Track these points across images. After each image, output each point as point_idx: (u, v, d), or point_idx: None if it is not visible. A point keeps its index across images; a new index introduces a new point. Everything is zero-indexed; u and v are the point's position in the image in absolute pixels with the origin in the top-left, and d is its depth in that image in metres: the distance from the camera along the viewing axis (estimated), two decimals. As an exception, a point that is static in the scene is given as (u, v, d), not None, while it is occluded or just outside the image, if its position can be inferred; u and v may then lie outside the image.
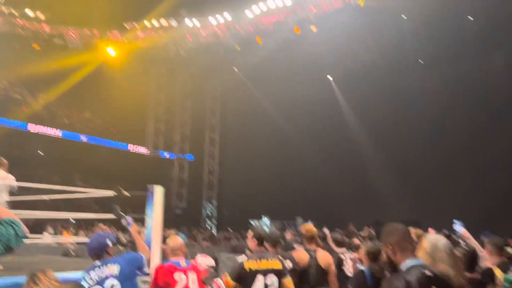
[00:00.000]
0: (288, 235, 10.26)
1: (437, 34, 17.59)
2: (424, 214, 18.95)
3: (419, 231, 5.27)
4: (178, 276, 3.60)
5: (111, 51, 18.87)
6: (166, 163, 23.45)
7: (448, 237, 9.85)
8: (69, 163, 20.71)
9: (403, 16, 16.24)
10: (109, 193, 7.67)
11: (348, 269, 5.50)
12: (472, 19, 16.30)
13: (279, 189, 22.10)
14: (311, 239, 5.15)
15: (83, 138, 21.89)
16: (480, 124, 18.49)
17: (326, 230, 11.41)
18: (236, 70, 21.93)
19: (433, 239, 2.55)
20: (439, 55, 18.99)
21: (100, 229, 11.13)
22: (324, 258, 4.90)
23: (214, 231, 21.43)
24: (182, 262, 3.72)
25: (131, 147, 23.29)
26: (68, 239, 11.19)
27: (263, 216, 16.17)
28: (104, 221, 12.43)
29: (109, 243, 3.42)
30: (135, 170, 21.75)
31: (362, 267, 4.23)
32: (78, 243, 10.19)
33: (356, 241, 7.68)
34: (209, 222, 23.68)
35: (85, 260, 4.29)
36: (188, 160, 23.81)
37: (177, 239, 3.83)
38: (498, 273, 3.89)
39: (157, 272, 3.70)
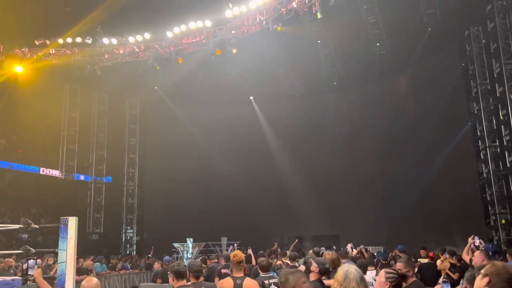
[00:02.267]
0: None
1: (348, 59, 18.78)
2: (341, 229, 19.93)
3: (334, 255, 5.55)
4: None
5: (18, 69, 17.61)
6: (81, 186, 22.18)
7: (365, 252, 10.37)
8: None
9: (318, 41, 17.08)
10: (16, 226, 7.09)
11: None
12: (378, 44, 17.63)
13: (202, 210, 21.92)
14: (238, 264, 5.17)
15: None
16: (388, 144, 19.97)
17: (250, 251, 11.55)
18: (156, 89, 21.55)
19: (345, 270, 2.68)
20: (351, 78, 20.28)
21: (7, 265, 10.15)
22: (250, 286, 4.94)
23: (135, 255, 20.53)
24: (98, 306, 3.51)
25: (42, 170, 21.74)
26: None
27: (187, 239, 15.83)
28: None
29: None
30: (47, 195, 20.39)
31: None
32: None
33: (279, 262, 7.82)
34: (129, 247, 22.67)
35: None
36: (105, 183, 22.72)
37: (91, 281, 3.61)
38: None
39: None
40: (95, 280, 3.63)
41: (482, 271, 2.40)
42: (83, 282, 3.56)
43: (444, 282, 3.34)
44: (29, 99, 18.16)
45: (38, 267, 3.88)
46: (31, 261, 3.99)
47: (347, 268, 2.66)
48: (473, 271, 3.12)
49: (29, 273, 3.96)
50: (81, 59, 18.12)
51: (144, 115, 23.94)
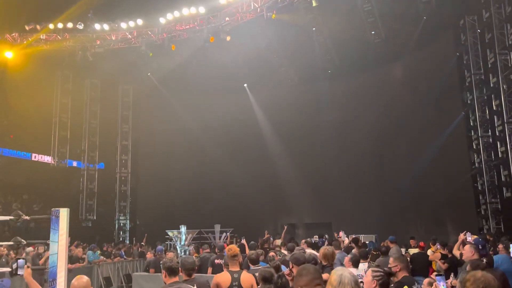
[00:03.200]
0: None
1: (343, 47, 18.68)
2: (333, 217, 20.08)
3: (328, 250, 5.58)
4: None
5: (8, 54, 17.33)
6: (73, 172, 22.05)
7: (357, 241, 10.47)
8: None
9: (313, 29, 16.95)
10: (6, 218, 7.03)
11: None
12: (373, 32, 17.54)
13: (195, 198, 21.93)
14: (232, 257, 5.19)
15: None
16: (381, 133, 20.00)
17: (244, 241, 11.61)
18: (149, 75, 21.34)
19: (339, 274, 2.67)
20: (345, 66, 20.21)
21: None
22: (247, 280, 4.98)
23: (127, 243, 20.58)
24: (89, 304, 3.48)
25: (34, 156, 21.55)
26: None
27: (180, 226, 15.86)
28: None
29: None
30: (39, 181, 20.25)
31: None
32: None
33: (271, 254, 7.86)
34: (122, 234, 22.71)
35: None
36: (98, 169, 22.61)
37: (82, 279, 3.57)
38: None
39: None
40: (85, 278, 3.59)
41: (460, 278, 2.43)
42: (73, 281, 3.53)
43: (438, 275, 3.34)
44: (20, 84, 17.91)
45: (28, 267, 3.83)
46: (20, 261, 3.95)
47: (341, 272, 2.64)
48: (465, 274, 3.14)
49: (18, 273, 3.92)
50: (72, 45, 17.87)
51: (137, 102, 23.75)
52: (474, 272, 2.41)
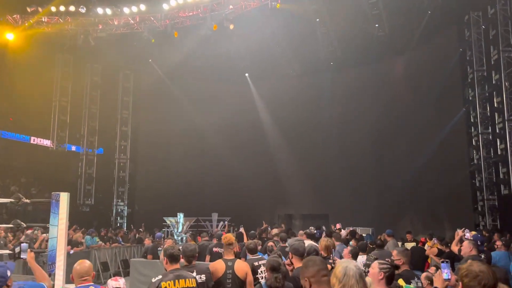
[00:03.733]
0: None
1: (346, 39, 18.59)
2: (331, 209, 20.14)
3: (329, 242, 5.61)
4: (87, 304, 3.38)
5: (9, 36, 17.18)
6: (72, 157, 22.04)
7: (354, 233, 10.52)
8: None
9: (317, 20, 16.84)
10: (7, 200, 7.03)
11: (262, 276, 5.64)
12: (377, 25, 17.45)
13: (193, 186, 21.95)
14: (227, 246, 5.22)
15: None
16: (382, 127, 19.99)
17: (242, 230, 11.65)
18: (151, 62, 21.23)
19: (345, 266, 2.68)
20: (348, 58, 20.12)
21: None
22: (241, 268, 5.00)
23: (125, 229, 20.66)
24: (91, 288, 3.49)
25: (33, 139, 21.52)
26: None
27: (178, 213, 15.90)
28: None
29: (9, 273, 3.10)
30: (38, 164, 20.25)
31: (262, 281, 4.36)
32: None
33: (270, 244, 7.87)
34: (120, 220, 22.77)
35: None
36: (97, 154, 22.60)
37: (84, 263, 3.58)
38: (401, 283, 4.23)
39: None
40: (87, 262, 3.60)
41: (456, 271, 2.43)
42: (75, 265, 3.53)
43: (443, 262, 3.36)
44: (20, 67, 17.81)
45: (31, 251, 3.84)
46: (23, 245, 3.96)
47: (346, 265, 2.64)
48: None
49: (22, 256, 3.92)
50: (74, 29, 17.71)
51: (138, 88, 23.64)
52: (469, 266, 2.40)
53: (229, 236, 5.36)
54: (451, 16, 17.58)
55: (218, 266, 4.97)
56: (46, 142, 21.56)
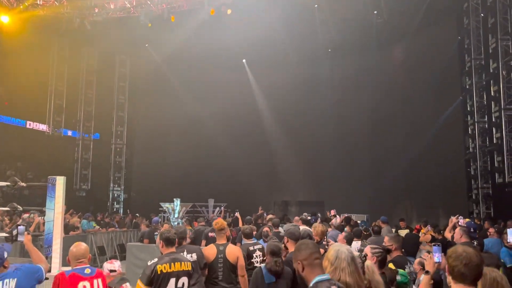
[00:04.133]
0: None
1: (344, 26, 18.47)
2: (326, 196, 20.25)
3: (323, 227, 5.66)
4: (83, 286, 3.38)
5: (4, 18, 16.95)
6: (68, 142, 21.98)
7: (349, 220, 10.60)
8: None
9: (315, 6, 16.70)
10: (3, 184, 7.04)
11: (257, 260, 5.70)
12: (376, 12, 17.34)
13: (190, 172, 22.00)
14: (219, 231, 5.27)
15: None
16: (378, 115, 20.00)
17: (238, 214, 11.71)
18: (147, 47, 21.05)
19: (337, 249, 2.71)
20: (346, 45, 20.02)
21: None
22: (233, 252, 5.05)
23: (121, 214, 20.74)
24: (87, 270, 3.49)
25: (29, 124, 21.41)
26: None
27: (174, 199, 15.95)
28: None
29: (6, 255, 3.12)
30: (34, 149, 20.16)
31: (262, 265, 4.41)
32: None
33: (266, 229, 7.92)
34: (116, 205, 22.84)
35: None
36: (93, 139, 22.55)
37: (80, 246, 3.60)
38: (391, 267, 4.29)
39: (58, 283, 3.37)
40: (83, 245, 3.62)
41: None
42: (71, 247, 3.56)
43: (435, 245, 3.40)
44: (15, 50, 17.60)
45: (28, 234, 3.85)
46: (20, 227, 3.97)
47: (338, 248, 2.68)
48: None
49: (19, 239, 3.94)
50: (70, 12, 17.50)
51: (134, 73, 23.49)
52: (455, 248, 2.45)
53: (221, 222, 5.42)
54: (450, 3, 17.48)
55: (210, 251, 5.04)
56: (42, 127, 21.47)
